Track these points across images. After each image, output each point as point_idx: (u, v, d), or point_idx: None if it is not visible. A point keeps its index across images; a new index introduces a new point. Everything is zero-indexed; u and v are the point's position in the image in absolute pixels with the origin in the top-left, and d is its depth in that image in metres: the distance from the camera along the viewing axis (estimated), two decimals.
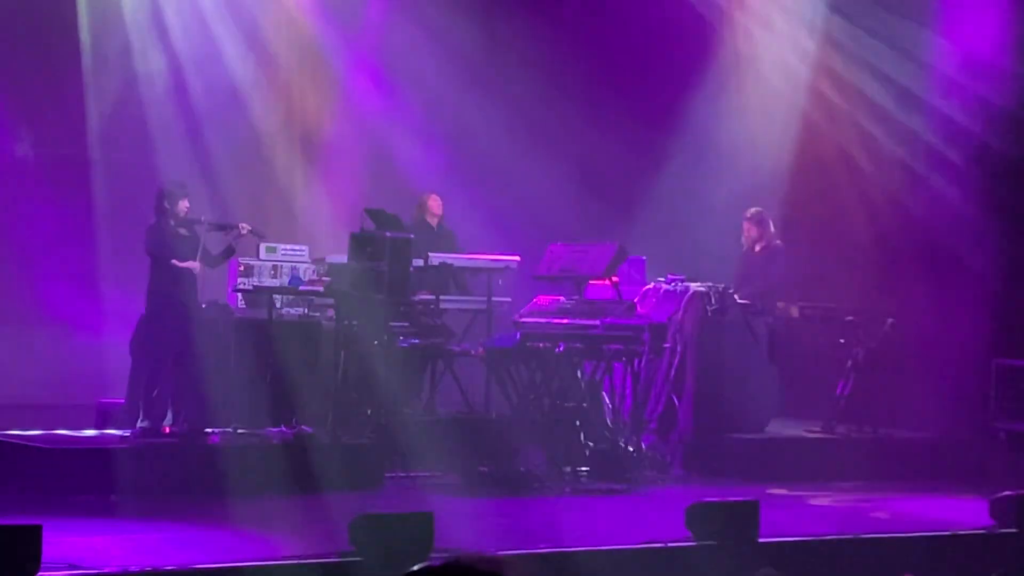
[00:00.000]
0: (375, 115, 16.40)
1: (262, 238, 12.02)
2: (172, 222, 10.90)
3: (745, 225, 13.22)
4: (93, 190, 15.37)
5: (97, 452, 10.15)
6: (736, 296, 12.59)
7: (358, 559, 7.66)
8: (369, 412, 11.63)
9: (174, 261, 10.95)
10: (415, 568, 2.82)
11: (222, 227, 11.35)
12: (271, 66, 16.14)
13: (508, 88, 17.01)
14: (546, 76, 17.26)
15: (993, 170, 14.11)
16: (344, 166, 16.10)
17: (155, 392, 10.82)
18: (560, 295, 12.04)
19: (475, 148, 16.55)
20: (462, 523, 9.35)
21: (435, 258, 12.85)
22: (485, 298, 12.96)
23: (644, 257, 12.97)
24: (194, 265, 11.07)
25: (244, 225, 11.47)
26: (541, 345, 11.48)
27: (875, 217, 14.99)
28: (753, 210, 13.32)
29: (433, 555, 7.48)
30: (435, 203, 13.68)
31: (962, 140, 14.43)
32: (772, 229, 13.23)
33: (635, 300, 11.97)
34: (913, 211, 14.67)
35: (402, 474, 11.16)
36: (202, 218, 11.13)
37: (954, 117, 14.46)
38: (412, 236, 11.82)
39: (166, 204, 10.88)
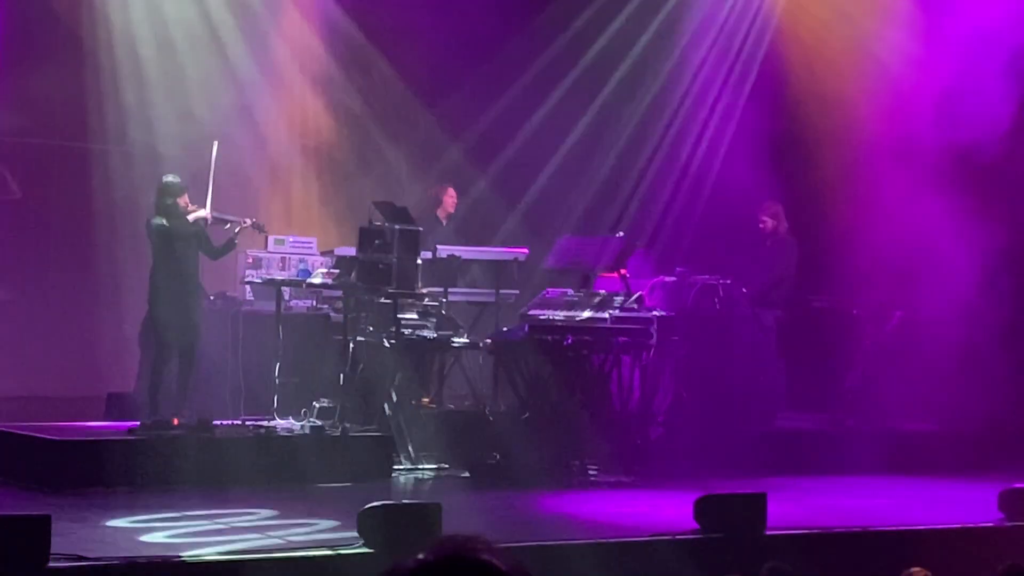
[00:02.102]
0: (381, 108, 16.40)
1: (263, 232, 11.99)
2: (174, 215, 10.88)
3: (760, 216, 13.21)
4: (104, 181, 15.39)
5: (106, 444, 10.16)
6: (745, 289, 12.58)
7: (367, 550, 7.67)
8: (377, 404, 11.65)
9: (191, 213, 10.89)
10: (417, 563, 2.74)
11: (224, 220, 11.33)
12: (279, 62, 16.16)
13: (517, 80, 17.00)
14: (553, 70, 17.24)
15: (995, 161, 14.12)
16: (351, 161, 16.10)
17: (164, 384, 10.83)
18: (568, 288, 12.04)
19: (483, 141, 16.54)
20: (470, 515, 9.36)
21: (443, 251, 12.86)
22: (493, 291, 12.97)
23: (652, 250, 12.97)
24: (205, 213, 10.99)
25: (247, 219, 11.44)
26: (549, 338, 11.47)
27: (879, 209, 14.98)
28: (769, 203, 13.33)
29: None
30: (449, 198, 13.66)
31: (965, 131, 14.42)
32: (784, 223, 13.23)
33: (643, 293, 11.96)
34: (914, 204, 14.65)
35: (410, 466, 11.17)
36: (203, 212, 11.10)
37: (959, 102, 14.44)
38: (420, 229, 11.81)
39: (167, 198, 10.87)
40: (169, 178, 11.10)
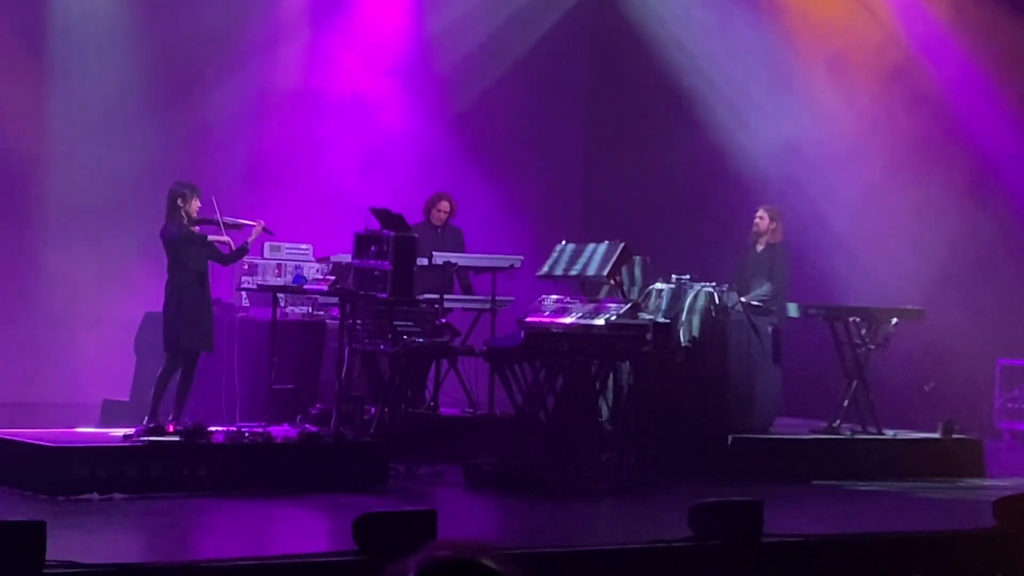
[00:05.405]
0: (379, 114, 16.41)
1: (273, 235, 11.97)
2: (185, 221, 10.86)
3: (760, 214, 13.15)
4: (97, 188, 15.39)
5: (101, 450, 10.15)
6: (741, 296, 12.58)
7: (362, 558, 7.66)
8: (373, 411, 11.64)
9: (210, 237, 10.89)
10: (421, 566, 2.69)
11: (235, 225, 11.29)
12: (278, 66, 16.18)
13: (513, 86, 17.03)
14: (550, 73, 17.27)
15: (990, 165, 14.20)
16: (349, 165, 16.11)
17: (164, 390, 10.82)
18: (564, 294, 12.04)
19: (478, 146, 16.56)
20: (466, 522, 9.36)
21: (439, 257, 12.87)
22: (489, 297, 12.97)
23: (649, 257, 12.95)
24: (226, 239, 10.97)
25: (259, 221, 11.40)
26: (545, 345, 11.46)
27: (875, 213, 15.02)
28: (769, 205, 13.32)
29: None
30: (443, 205, 13.64)
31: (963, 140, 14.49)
32: (782, 228, 13.20)
33: (639, 299, 11.97)
34: (916, 206, 14.70)
35: (406, 473, 11.16)
36: (215, 217, 11.07)
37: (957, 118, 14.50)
38: (416, 236, 11.80)
39: (179, 203, 10.84)
40: (180, 185, 11.03)
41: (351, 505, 9.15)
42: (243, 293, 12.93)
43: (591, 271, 11.99)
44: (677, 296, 12.17)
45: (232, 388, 11.84)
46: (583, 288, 12.26)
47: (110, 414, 12.53)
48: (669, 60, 16.28)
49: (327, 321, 12.84)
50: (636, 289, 12.23)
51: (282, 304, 12.48)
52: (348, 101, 16.28)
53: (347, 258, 12.08)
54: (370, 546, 7.69)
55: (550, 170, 17.42)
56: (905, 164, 14.83)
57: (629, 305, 11.58)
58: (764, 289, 12.87)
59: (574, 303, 11.77)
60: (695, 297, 12.13)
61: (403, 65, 16.58)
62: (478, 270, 13.41)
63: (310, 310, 13.03)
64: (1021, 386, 14.38)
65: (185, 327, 10.76)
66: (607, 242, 12.05)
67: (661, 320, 11.87)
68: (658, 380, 11.60)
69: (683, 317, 12.07)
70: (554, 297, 11.88)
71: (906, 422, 13.20)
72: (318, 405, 11.75)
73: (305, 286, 12.42)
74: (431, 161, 16.27)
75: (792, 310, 12.81)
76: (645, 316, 11.80)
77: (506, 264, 13.08)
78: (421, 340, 11.89)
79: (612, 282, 11.88)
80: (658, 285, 12.29)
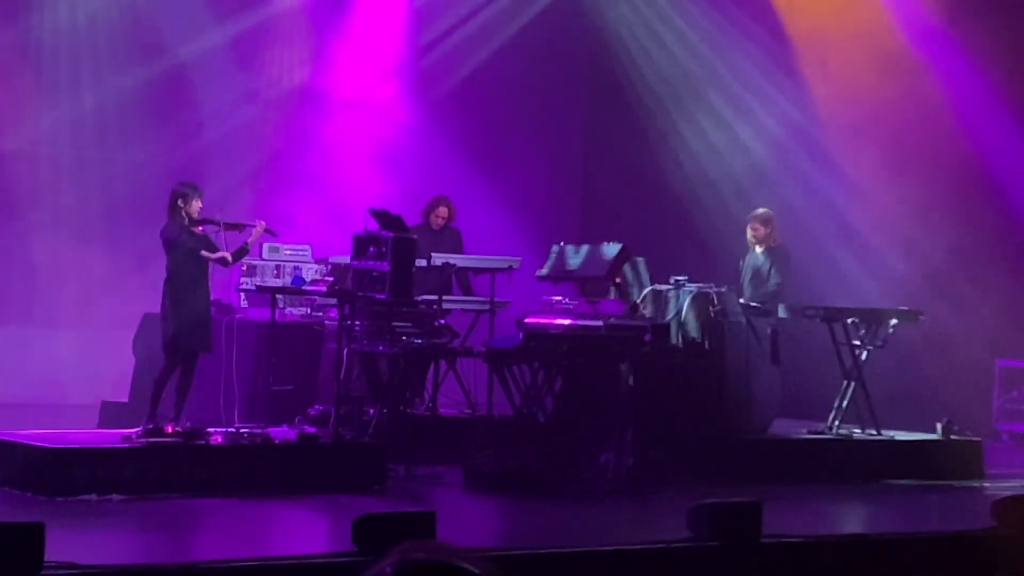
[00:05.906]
0: (379, 115, 16.42)
1: (275, 236, 11.98)
2: (186, 222, 10.87)
3: (753, 224, 13.17)
4: (96, 189, 15.39)
5: (100, 451, 10.14)
6: (742, 299, 12.58)
7: (361, 558, 7.65)
8: (372, 412, 11.64)
9: (203, 253, 10.91)
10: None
11: (236, 226, 11.28)
12: (275, 66, 16.18)
13: (513, 87, 17.03)
14: (550, 74, 17.27)
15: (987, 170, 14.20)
16: (348, 166, 16.12)
17: (163, 391, 10.82)
18: (563, 295, 12.03)
19: (478, 147, 16.56)
20: (465, 523, 9.36)
21: (438, 258, 12.87)
22: (488, 298, 12.97)
23: (647, 258, 12.96)
24: (224, 255, 11.00)
25: (260, 222, 11.39)
26: (544, 346, 11.46)
27: (872, 212, 15.03)
28: (761, 210, 13.31)
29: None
30: (441, 210, 13.63)
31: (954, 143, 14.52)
32: (777, 229, 13.20)
33: (638, 301, 11.97)
34: (913, 207, 14.70)
35: (405, 474, 11.16)
36: (216, 217, 11.08)
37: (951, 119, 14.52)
38: (415, 237, 11.79)
39: (180, 204, 10.84)
40: (182, 185, 11.03)
41: (350, 506, 9.15)
42: (242, 294, 12.94)
43: (590, 272, 11.98)
44: (676, 297, 12.17)
45: (231, 389, 11.84)
46: (583, 289, 12.26)
47: (109, 415, 12.53)
48: (667, 61, 16.31)
49: (326, 322, 12.84)
50: (638, 290, 12.23)
51: (281, 305, 12.48)
52: (348, 102, 16.29)
53: (346, 259, 12.07)
54: (369, 547, 7.68)
55: (550, 170, 17.43)
56: (903, 164, 14.84)
57: (628, 306, 11.58)
58: (766, 289, 12.88)
59: (573, 304, 11.77)
60: (693, 298, 12.14)
61: (403, 67, 16.60)
62: (477, 271, 13.41)
63: (309, 311, 13.03)
64: (1020, 387, 14.38)
65: (183, 328, 10.76)
66: (606, 243, 12.04)
67: (660, 321, 11.87)
68: (657, 381, 11.59)
69: (682, 318, 12.08)
70: (553, 298, 11.88)
71: (905, 422, 13.20)
72: (317, 406, 11.75)
73: (304, 287, 12.41)
74: (431, 162, 16.28)
75: (780, 311, 12.77)
76: (651, 317, 11.80)
77: (505, 265, 13.08)
78: (420, 341, 11.89)
79: (615, 283, 11.88)
80: (658, 286, 12.29)
